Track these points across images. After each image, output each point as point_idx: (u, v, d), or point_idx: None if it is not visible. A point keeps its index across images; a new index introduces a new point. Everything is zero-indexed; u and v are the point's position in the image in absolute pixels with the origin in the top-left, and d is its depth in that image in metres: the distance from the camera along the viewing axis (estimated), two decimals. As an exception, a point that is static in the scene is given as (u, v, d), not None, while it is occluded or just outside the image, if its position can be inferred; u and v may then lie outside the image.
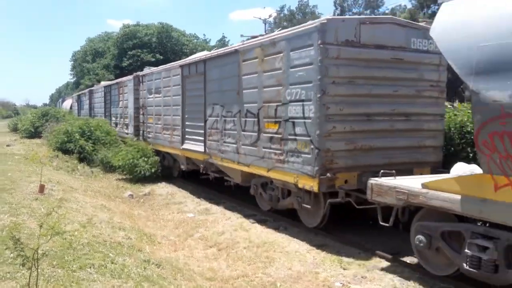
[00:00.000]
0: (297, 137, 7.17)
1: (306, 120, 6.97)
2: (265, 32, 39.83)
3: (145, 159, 13.50)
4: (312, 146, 6.80)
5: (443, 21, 4.80)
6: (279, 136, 7.63)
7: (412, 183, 5.58)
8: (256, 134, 8.32)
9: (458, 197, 4.80)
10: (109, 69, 40.78)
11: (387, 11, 43.93)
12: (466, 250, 4.86)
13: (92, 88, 28.42)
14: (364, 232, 7.39)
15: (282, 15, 52.57)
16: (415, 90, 7.33)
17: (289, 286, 5.50)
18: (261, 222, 8.42)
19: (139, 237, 7.06)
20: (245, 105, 8.71)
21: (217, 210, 9.61)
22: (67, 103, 45.00)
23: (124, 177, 13.89)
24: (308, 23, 7.37)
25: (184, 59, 13.60)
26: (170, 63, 14.16)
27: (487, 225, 4.81)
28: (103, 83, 25.33)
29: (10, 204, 7.36)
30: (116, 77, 29.29)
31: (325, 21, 6.71)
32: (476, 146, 4.65)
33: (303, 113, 7.03)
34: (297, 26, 7.64)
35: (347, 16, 6.62)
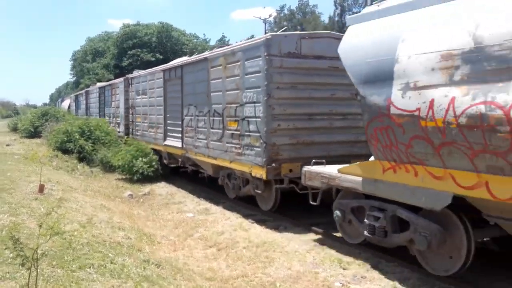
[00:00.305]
0: (251, 133, 8.48)
1: (257, 119, 8.25)
2: (265, 31, 39.84)
3: (144, 159, 13.51)
4: (261, 141, 8.11)
5: (346, 42, 6.23)
6: (238, 132, 8.93)
7: (333, 169, 6.76)
8: (221, 131, 9.63)
9: (360, 179, 6.11)
10: (109, 69, 40.82)
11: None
12: (365, 220, 6.18)
13: (88, 89, 30.09)
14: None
15: (282, 14, 52.63)
16: (350, 93, 8.20)
17: (289, 286, 5.49)
18: (260, 222, 8.42)
19: (139, 237, 7.06)
20: (213, 106, 10.04)
21: (216, 210, 9.61)
22: (66, 103, 46.00)
23: (123, 177, 13.89)
24: (257, 37, 8.82)
25: (166, 64, 14.81)
26: (155, 67, 15.45)
27: (380, 200, 5.95)
28: (98, 84, 26.48)
29: (10, 204, 7.35)
30: (116, 77, 29.65)
31: (270, 36, 8.13)
32: (367, 138, 5.88)
33: (255, 113, 8.31)
34: (250, 40, 9.26)
35: (289, 32, 8.62)
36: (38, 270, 3.97)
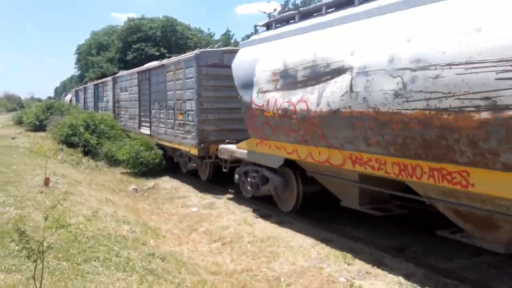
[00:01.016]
0: (189, 123, 11.50)
1: (192, 112, 11.26)
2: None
3: (149, 152, 13.56)
4: (195, 128, 11.09)
5: (235, 59, 9.12)
6: (182, 122, 11.99)
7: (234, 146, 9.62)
8: (173, 121, 12.78)
9: (246, 151, 9.03)
10: (114, 63, 40.83)
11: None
12: (248, 179, 9.28)
13: (86, 85, 33.62)
14: (369, 228, 7.39)
15: (286, 9, 52.34)
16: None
17: (293, 281, 5.49)
18: (265, 216, 8.43)
19: (144, 231, 7.08)
20: (168, 101, 13.16)
21: (221, 205, 9.62)
22: (68, 97, 47.57)
23: (128, 171, 13.93)
24: (192, 52, 11.90)
25: (140, 67, 17.80)
26: (132, 69, 18.91)
27: (256, 165, 8.95)
28: (96, 81, 29.40)
29: (15, 197, 7.39)
30: (120, 70, 30.14)
31: (199, 52, 11.30)
32: (245, 123, 8.81)
33: (191, 107, 11.31)
34: (188, 53, 12.31)
35: (214, 49, 12.25)
36: (44, 263, 3.98)
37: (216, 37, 46.73)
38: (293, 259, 6.15)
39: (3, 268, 4.34)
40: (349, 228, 7.50)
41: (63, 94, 65.89)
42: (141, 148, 13.68)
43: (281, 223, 7.92)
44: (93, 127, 17.26)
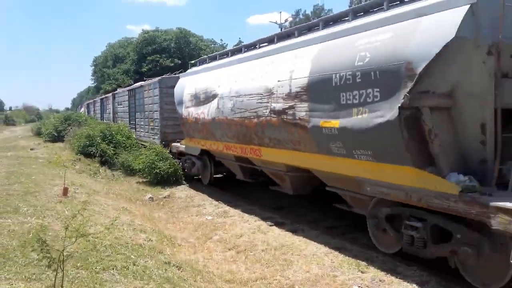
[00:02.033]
0: (156, 127, 16.13)
1: (158, 119, 15.88)
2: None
3: (164, 162, 13.75)
4: (159, 130, 15.74)
5: (176, 85, 13.16)
6: (152, 127, 16.65)
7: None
8: (148, 126, 17.44)
9: (184, 146, 13.15)
10: (129, 74, 41.40)
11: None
12: (186, 164, 13.73)
13: (95, 99, 40.39)
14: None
15: (297, 19, 52.50)
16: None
17: (307, 289, 5.53)
18: (278, 225, 8.48)
19: (160, 239, 7.19)
20: (145, 112, 17.91)
21: (235, 213, 9.70)
22: (82, 109, 49.99)
23: (144, 180, 14.13)
24: (156, 78, 16.80)
25: (130, 86, 24.05)
26: (124, 88, 25.47)
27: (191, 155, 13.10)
28: (106, 94, 34.92)
29: (35, 207, 7.56)
30: (135, 82, 31.03)
31: (161, 78, 16.20)
32: (181, 128, 12.95)
33: (157, 116, 15.91)
34: (155, 79, 17.18)
35: (172, 76, 16.82)
36: (64, 272, 4.10)
37: (229, 47, 47.09)
38: (307, 267, 6.19)
39: (23, 277, 4.45)
40: (362, 236, 7.50)
41: (79, 106, 67.53)
42: (156, 157, 13.89)
43: (294, 231, 7.96)
44: (109, 137, 17.55)
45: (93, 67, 60.07)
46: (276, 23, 41.49)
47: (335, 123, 6.34)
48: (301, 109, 7.12)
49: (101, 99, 33.93)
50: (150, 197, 11.78)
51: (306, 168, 7.82)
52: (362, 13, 6.89)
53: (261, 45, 9.67)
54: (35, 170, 12.54)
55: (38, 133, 30.62)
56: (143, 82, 19.30)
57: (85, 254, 5.26)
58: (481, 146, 5.16)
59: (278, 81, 7.81)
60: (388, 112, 5.44)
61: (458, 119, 5.35)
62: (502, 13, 4.84)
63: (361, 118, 5.89)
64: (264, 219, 8.95)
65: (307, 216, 9.19)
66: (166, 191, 12.71)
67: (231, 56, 10.92)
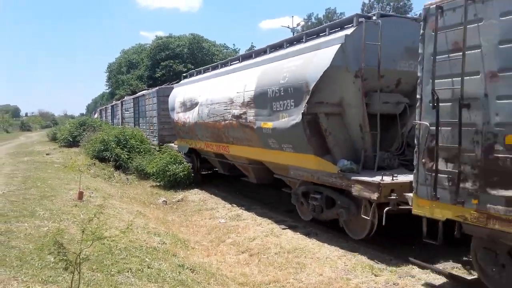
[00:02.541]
0: (155, 130, 18.73)
1: (156, 123, 18.51)
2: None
3: (177, 166, 13.87)
4: (157, 133, 18.37)
5: (171, 94, 15.44)
6: (152, 130, 19.37)
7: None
8: (149, 130, 19.96)
9: (176, 146, 15.58)
10: (143, 80, 41.75)
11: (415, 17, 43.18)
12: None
13: (107, 106, 43.51)
14: (396, 239, 7.33)
15: (309, 23, 52.46)
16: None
17: (320, 292, 5.52)
18: (291, 228, 8.48)
19: (174, 243, 7.25)
20: (146, 117, 20.81)
21: (248, 216, 9.73)
22: (96, 115, 51.27)
23: (158, 184, 14.25)
24: (154, 88, 20.20)
25: (135, 95, 26.25)
26: (130, 96, 28.36)
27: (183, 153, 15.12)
28: (116, 102, 37.82)
29: (51, 211, 7.69)
30: (149, 87, 31.74)
31: (158, 88, 18.88)
32: (174, 130, 15.49)
33: (156, 121, 18.52)
34: (151, 89, 20.80)
35: (169, 86, 18.96)
36: (80, 274, 4.16)
37: (241, 52, 47.24)
38: (320, 270, 6.18)
39: (40, 279, 4.53)
40: (376, 239, 7.45)
41: (93, 112, 68.60)
42: (170, 161, 14.01)
43: (307, 235, 7.96)
44: (124, 142, 17.74)
45: (107, 73, 60.74)
46: (288, 27, 41.56)
47: (270, 124, 8.61)
48: (250, 114, 9.35)
49: (112, 106, 37.13)
50: (164, 201, 11.88)
51: (259, 160, 10.01)
52: (291, 43, 9.15)
53: (231, 63, 12.13)
54: (51, 174, 12.74)
55: (54, 139, 31.08)
56: (144, 92, 22.61)
57: (100, 257, 5.34)
58: (362, 140, 7.46)
59: (237, 92, 9.98)
60: (297, 116, 7.61)
61: (346, 122, 7.64)
62: (363, 48, 7.09)
63: (284, 121, 8.08)
64: (277, 222, 8.96)
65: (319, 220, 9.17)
66: (180, 195, 12.80)
67: (211, 71, 13.28)
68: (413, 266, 6.12)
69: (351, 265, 6.30)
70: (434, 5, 5.07)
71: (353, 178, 6.86)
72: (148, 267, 5.39)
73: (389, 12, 46.78)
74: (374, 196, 6.36)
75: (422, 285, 5.50)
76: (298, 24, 45.12)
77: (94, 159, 17.42)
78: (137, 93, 27.53)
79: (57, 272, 4.69)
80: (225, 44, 47.97)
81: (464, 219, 4.83)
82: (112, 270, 5.04)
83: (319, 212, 7.98)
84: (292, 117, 7.80)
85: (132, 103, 25.44)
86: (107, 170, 15.86)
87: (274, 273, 6.24)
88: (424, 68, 5.29)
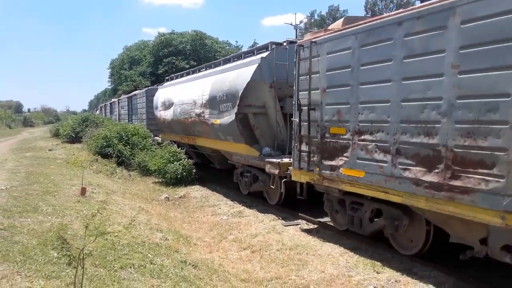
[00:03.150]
0: (144, 125, 21.09)
1: (145, 119, 22.12)
2: (296, 37, 39.74)
3: (178, 162, 13.89)
4: (146, 128, 20.29)
5: (156, 94, 18.50)
6: (142, 125, 21.13)
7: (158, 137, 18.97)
8: (142, 123, 21.88)
9: (160, 138, 18.22)
10: (146, 76, 41.78)
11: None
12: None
13: (106, 103, 47.84)
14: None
15: (312, 20, 52.34)
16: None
17: (322, 289, 5.53)
18: (293, 225, 8.48)
19: (176, 239, 7.27)
20: (138, 114, 24.26)
21: (250, 213, 9.74)
22: (97, 112, 53.86)
23: (160, 180, 14.27)
24: (143, 89, 25.17)
25: (129, 94, 30.06)
26: (124, 95, 32.41)
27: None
28: (113, 99, 41.20)
29: (54, 206, 7.71)
30: (152, 84, 32.71)
31: (147, 89, 23.16)
32: (158, 126, 18.36)
33: (144, 117, 22.32)
34: (143, 89, 24.95)
35: (154, 87, 21.58)
36: (83, 269, 4.18)
37: (244, 49, 47.22)
38: (322, 267, 6.19)
39: (43, 274, 4.55)
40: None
41: (95, 109, 69.25)
42: (171, 158, 14.03)
43: (309, 232, 7.97)
44: (126, 138, 17.76)
45: (110, 70, 60.79)
46: (291, 24, 41.44)
47: (218, 121, 11.28)
48: (206, 113, 12.11)
49: (110, 103, 41.09)
50: (166, 197, 11.91)
51: (217, 149, 12.49)
52: (236, 59, 12.06)
53: (200, 70, 14.87)
54: (54, 170, 12.77)
55: (56, 134, 31.14)
56: (136, 92, 26.45)
57: (103, 253, 5.36)
58: (279, 133, 10.04)
59: (198, 95, 12.76)
60: (233, 115, 10.27)
61: (268, 119, 10.19)
62: (274, 66, 9.81)
63: (226, 118, 10.73)
64: (279, 219, 8.97)
65: (321, 216, 9.18)
66: (182, 191, 12.82)
67: (185, 76, 16.26)
68: (415, 263, 6.12)
69: (353, 262, 6.31)
70: (297, 44, 7.95)
71: (266, 160, 9.58)
72: (151, 263, 5.41)
73: (393, 9, 46.62)
74: (276, 171, 9.12)
75: (425, 282, 5.49)
76: (301, 22, 44.95)
77: (96, 155, 17.48)
78: (140, 89, 28.34)
79: (60, 267, 4.71)
80: (227, 41, 48.00)
81: (313, 181, 7.64)
82: (115, 265, 5.06)
83: (249, 186, 10.95)
84: (230, 116, 10.45)
85: (126, 102, 29.25)
86: (109, 166, 15.90)
87: (276, 269, 6.25)
88: (295, 84, 8.01)
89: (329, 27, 7.86)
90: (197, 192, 12.80)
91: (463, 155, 4.98)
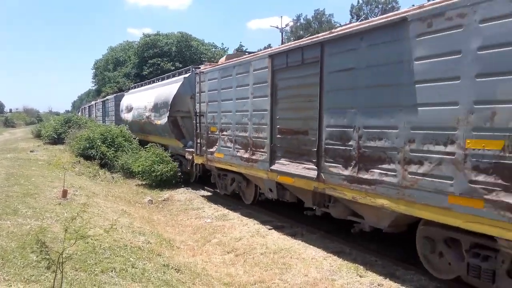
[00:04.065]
0: (112, 124, 24.13)
1: (114, 121, 25.66)
2: (282, 41, 39.93)
3: (163, 165, 13.78)
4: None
5: (123, 99, 23.29)
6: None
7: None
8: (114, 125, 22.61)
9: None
10: (130, 78, 41.48)
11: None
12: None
13: (85, 106, 53.36)
14: (381, 240, 7.39)
15: (298, 24, 52.68)
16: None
17: (306, 293, 5.53)
18: (277, 228, 8.48)
19: (159, 242, 7.20)
20: (109, 116, 29.41)
21: (234, 216, 9.71)
22: (80, 113, 54.00)
23: (143, 182, 14.14)
24: (113, 95, 31.01)
25: (116, 94, 30.27)
26: (110, 96, 32.28)
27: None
28: (92, 102, 44.97)
29: (34, 209, 7.59)
30: (136, 85, 32.74)
31: (115, 95, 28.85)
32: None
33: (114, 119, 26.45)
34: (112, 95, 31.42)
35: (121, 94, 25.58)
36: (63, 273, 4.10)
37: (230, 51, 47.20)
38: (306, 270, 6.19)
39: (22, 278, 4.47)
40: (360, 240, 7.51)
41: (77, 111, 69.34)
42: (156, 160, 13.91)
43: (293, 235, 7.97)
44: (110, 140, 17.56)
45: (94, 70, 60.21)
46: (277, 27, 41.63)
47: (159, 122, 15.11)
48: (152, 116, 16.04)
49: (89, 106, 47.13)
50: (150, 200, 11.79)
51: (161, 143, 15.52)
52: (172, 76, 16.60)
53: (150, 83, 19.32)
54: (35, 172, 12.56)
55: (38, 135, 30.62)
56: (108, 97, 31.36)
57: (84, 256, 5.28)
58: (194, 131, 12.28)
59: (148, 102, 16.88)
60: (166, 118, 14.23)
61: (192, 121, 12.72)
62: (193, 84, 12.23)
63: (163, 120, 14.55)
64: (263, 222, 8.95)
65: (306, 220, 9.20)
66: (166, 194, 12.72)
67: (142, 87, 20.91)
68: (398, 267, 6.17)
69: (336, 266, 6.32)
70: (195, 72, 11.98)
71: (186, 149, 13.36)
72: (133, 267, 5.34)
73: (378, 14, 47.16)
74: (190, 156, 12.76)
75: (407, 286, 5.53)
76: (287, 25, 45.25)
77: (79, 157, 17.24)
78: (123, 90, 29.05)
79: (39, 271, 4.64)
80: (213, 43, 47.92)
81: (204, 162, 11.48)
82: (96, 269, 4.99)
83: (179, 169, 14.16)
84: (165, 119, 14.40)
85: (101, 105, 34.57)
86: (92, 168, 15.69)
87: (259, 273, 6.23)
88: (196, 98, 11.80)
89: (218, 61, 11.47)
90: (181, 195, 12.71)
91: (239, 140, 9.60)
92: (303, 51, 7.25)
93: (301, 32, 47.88)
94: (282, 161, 8.00)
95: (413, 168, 5.22)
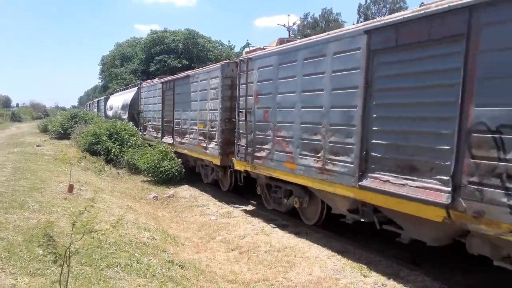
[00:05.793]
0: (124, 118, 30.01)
1: (103, 117, 32.43)
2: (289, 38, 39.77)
3: (168, 162, 13.83)
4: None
5: (108, 100, 34.40)
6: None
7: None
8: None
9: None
10: (137, 74, 41.55)
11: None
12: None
13: (91, 102, 56.27)
14: (385, 240, 7.38)
15: (305, 22, 52.58)
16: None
17: (309, 291, 5.54)
18: (282, 227, 8.49)
19: (163, 238, 7.23)
20: (101, 113, 37.52)
21: (238, 214, 9.73)
22: (85, 109, 55.11)
23: (149, 179, 14.19)
24: (97, 98, 48.01)
25: (98, 98, 44.91)
26: (104, 96, 39.47)
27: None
28: (95, 100, 49.75)
29: (41, 203, 7.64)
30: (143, 81, 33.37)
31: (105, 97, 37.83)
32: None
33: (103, 116, 34.40)
34: (102, 96, 41.89)
35: (108, 96, 34.15)
36: (69, 267, 4.13)
37: (237, 49, 47.10)
38: (310, 269, 6.20)
39: (28, 271, 4.52)
40: (365, 240, 7.51)
41: (84, 106, 70.02)
42: (161, 157, 13.96)
43: (297, 234, 7.97)
44: (115, 136, 17.63)
45: (101, 66, 60.37)
46: (284, 26, 41.53)
47: (125, 116, 24.11)
48: (121, 112, 25.44)
49: (91, 103, 53.44)
50: (155, 196, 11.84)
51: None
52: (135, 86, 25.92)
53: (126, 89, 27.07)
54: (41, 166, 12.63)
55: (45, 130, 30.77)
56: (101, 97, 39.29)
57: (90, 251, 5.32)
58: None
59: (120, 103, 26.14)
60: (126, 115, 24.28)
61: (140, 116, 20.96)
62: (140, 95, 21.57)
63: (125, 115, 24.40)
64: (268, 220, 8.97)
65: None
66: (171, 190, 12.76)
67: (122, 91, 27.70)
68: (402, 268, 6.16)
69: (340, 265, 6.32)
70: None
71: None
72: (137, 262, 5.38)
73: (385, 13, 47.01)
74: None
75: (411, 286, 5.53)
76: (294, 23, 45.10)
77: (85, 152, 17.32)
78: (131, 87, 29.32)
79: (45, 265, 4.68)
80: (220, 40, 47.87)
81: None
82: (101, 264, 5.03)
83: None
84: (126, 116, 23.16)
85: (97, 103, 42.61)
86: (98, 164, 15.76)
87: (263, 271, 6.25)
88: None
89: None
90: (185, 191, 12.75)
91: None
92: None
93: (308, 31, 47.78)
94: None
95: None
